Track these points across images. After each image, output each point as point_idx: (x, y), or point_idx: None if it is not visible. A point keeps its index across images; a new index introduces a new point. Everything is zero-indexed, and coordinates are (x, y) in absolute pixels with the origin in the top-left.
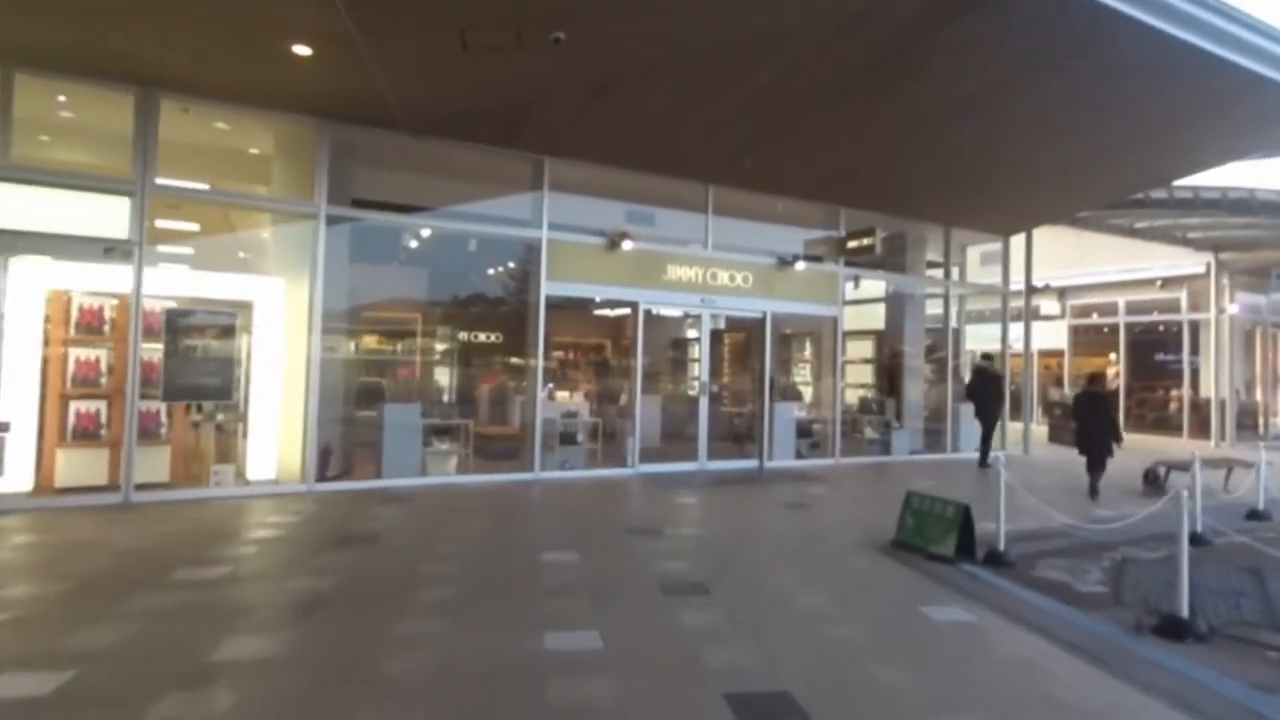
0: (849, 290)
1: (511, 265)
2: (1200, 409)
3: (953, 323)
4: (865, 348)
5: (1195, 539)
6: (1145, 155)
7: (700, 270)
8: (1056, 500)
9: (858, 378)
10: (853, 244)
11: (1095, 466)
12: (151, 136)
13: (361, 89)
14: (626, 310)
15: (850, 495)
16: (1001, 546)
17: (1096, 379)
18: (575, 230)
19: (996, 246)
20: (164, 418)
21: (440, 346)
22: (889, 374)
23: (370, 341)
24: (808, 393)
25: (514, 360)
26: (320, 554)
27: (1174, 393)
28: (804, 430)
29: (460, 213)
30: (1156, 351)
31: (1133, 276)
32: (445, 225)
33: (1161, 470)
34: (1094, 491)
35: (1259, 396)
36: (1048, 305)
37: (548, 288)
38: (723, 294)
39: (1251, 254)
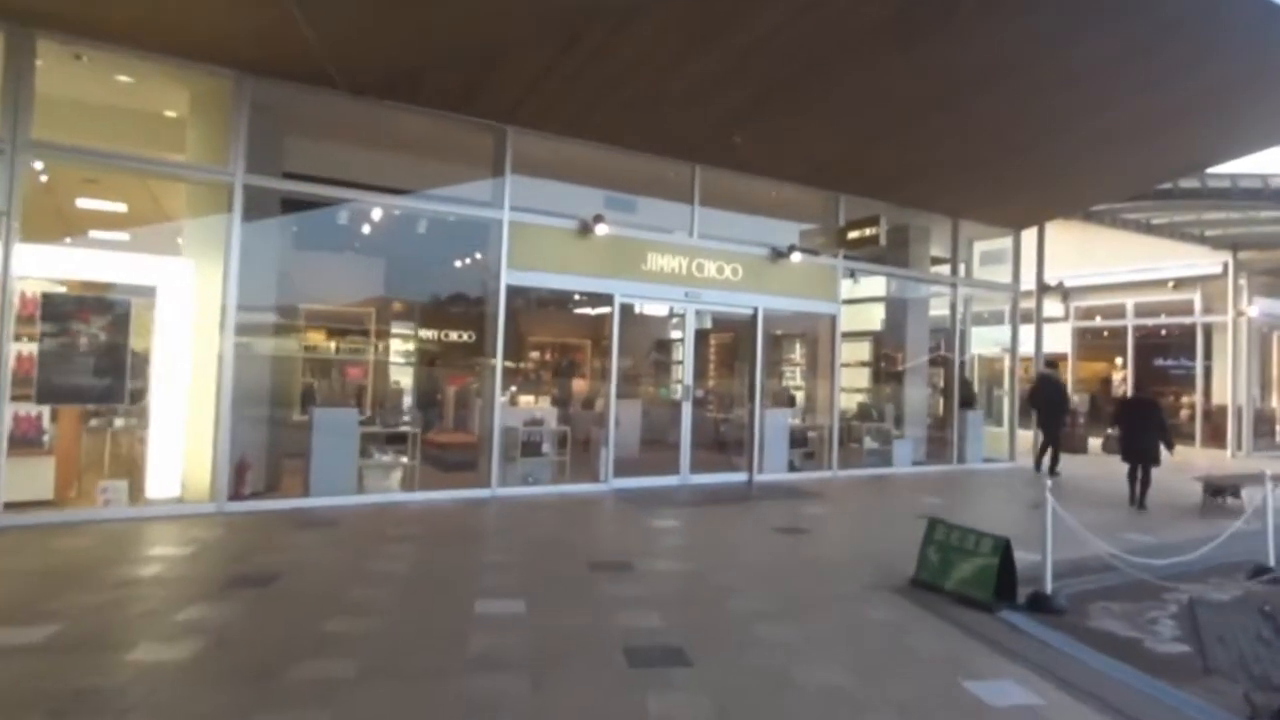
0: (848, 288)
1: (469, 252)
2: (1213, 416)
3: (959, 323)
4: (864, 350)
5: (1262, 571)
6: (1184, 135)
7: (685, 260)
8: (1088, 519)
9: (856, 382)
10: (854, 234)
11: (1135, 476)
12: (25, 83)
13: (284, 34)
14: (605, 309)
15: (853, 516)
16: (1049, 588)
17: (1141, 389)
18: (542, 213)
19: (997, 246)
20: (48, 424)
21: (384, 344)
22: (890, 378)
23: (301, 337)
24: (801, 398)
25: (472, 360)
26: (195, 603)
27: (1184, 399)
28: (798, 439)
29: (409, 190)
30: (1166, 356)
31: (1142, 277)
32: (390, 203)
33: (1222, 487)
34: (1140, 504)
35: (1275, 403)
36: (1050, 307)
37: (509, 277)
38: (710, 287)
39: (1272, 253)
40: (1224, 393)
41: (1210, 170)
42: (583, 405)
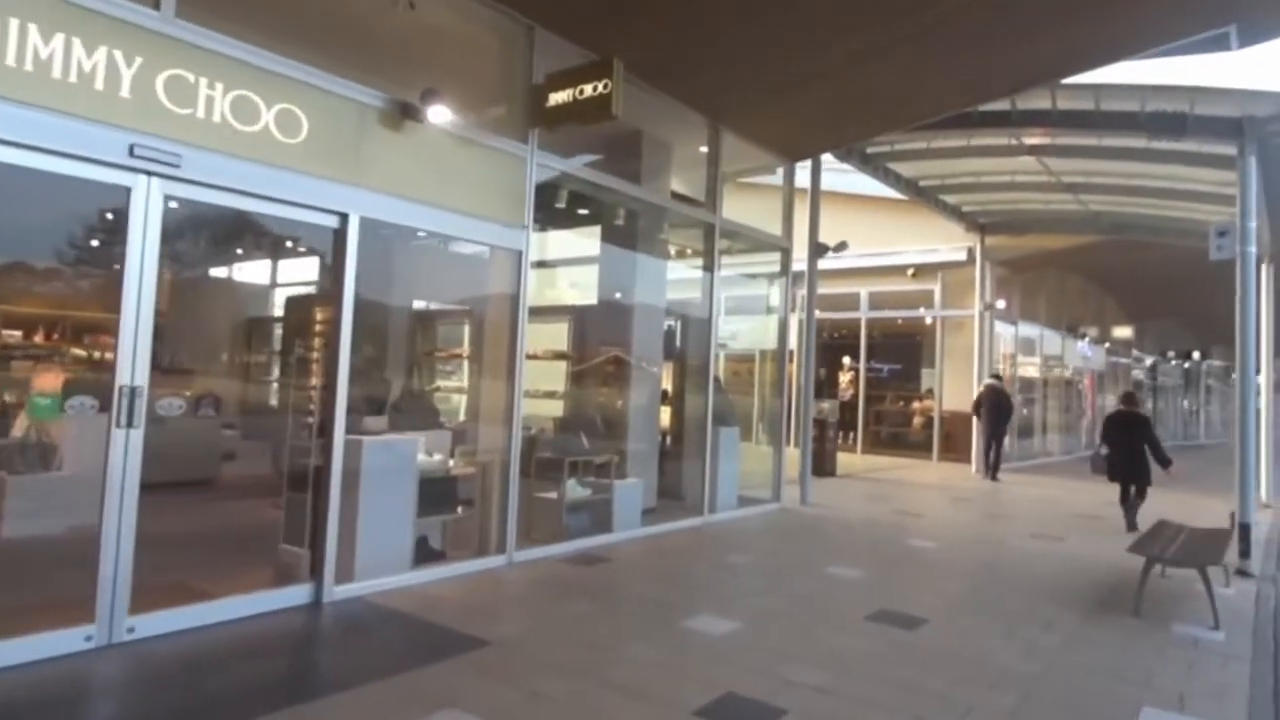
0: (542, 244)
1: None
2: (949, 425)
3: (712, 299)
4: (562, 335)
5: None
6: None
7: (132, 61)
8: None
9: (550, 383)
10: (561, 97)
11: (1127, 496)
12: None
13: None
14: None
15: None
16: None
17: (1130, 398)
18: None
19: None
20: None
21: None
22: (606, 379)
23: None
24: (454, 411)
25: None
26: None
27: (917, 405)
28: (438, 494)
29: None
30: (900, 355)
31: (880, 262)
32: None
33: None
34: (1132, 524)
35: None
36: (775, 294)
37: None
38: (217, 148)
39: (1018, 240)
40: (964, 398)
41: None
42: None
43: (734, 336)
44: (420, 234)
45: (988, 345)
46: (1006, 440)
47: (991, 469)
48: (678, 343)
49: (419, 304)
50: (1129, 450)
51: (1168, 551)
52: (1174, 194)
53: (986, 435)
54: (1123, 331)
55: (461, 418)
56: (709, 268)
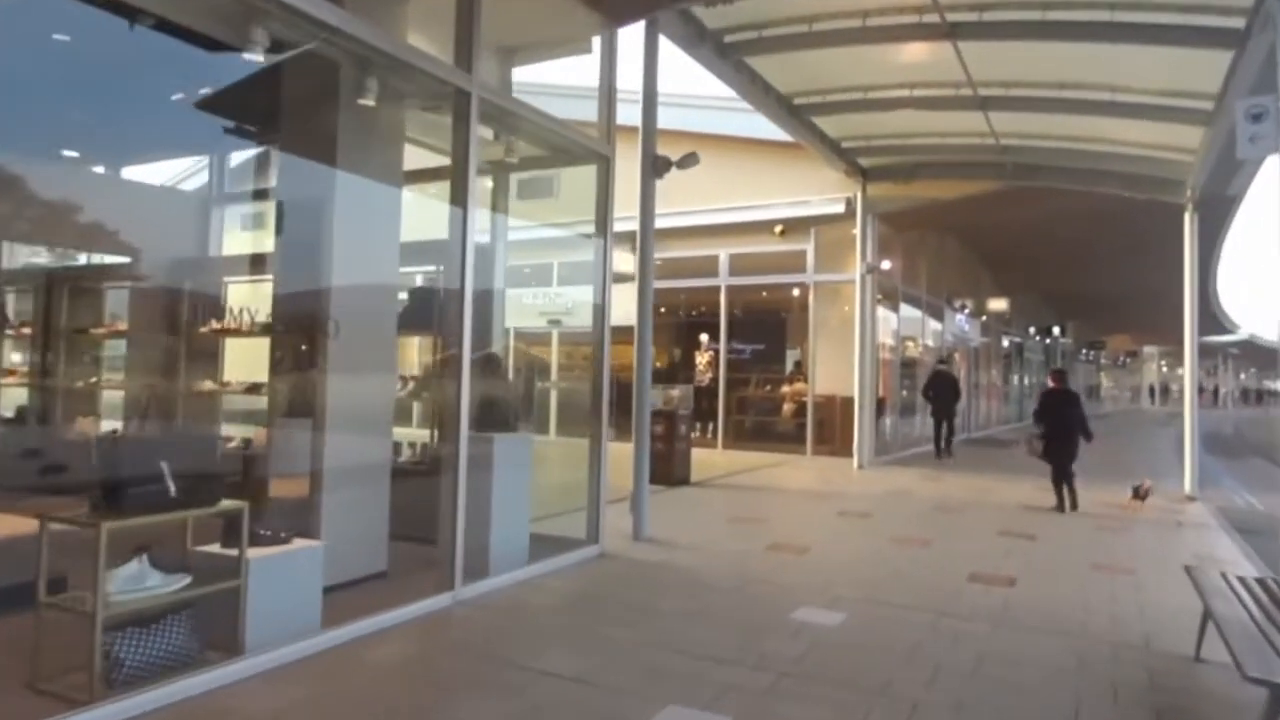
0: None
1: None
2: (824, 412)
3: (468, 228)
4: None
5: None
6: None
7: None
8: None
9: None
10: None
11: (1066, 476)
12: None
13: None
14: None
15: None
16: None
17: (1062, 375)
18: None
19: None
20: None
21: None
22: (289, 368)
23: None
24: None
25: None
26: None
27: (787, 389)
28: None
29: None
30: (765, 333)
31: (741, 218)
32: None
33: None
34: (1073, 504)
35: (881, 393)
36: (620, 259)
37: None
38: None
39: (903, 188)
40: (840, 380)
41: None
42: None
43: (570, 311)
44: None
45: (869, 315)
46: (886, 424)
47: (945, 446)
48: (437, 307)
49: None
50: (1066, 430)
51: None
52: (1116, 109)
53: (938, 417)
54: (998, 305)
55: None
56: (463, 176)
